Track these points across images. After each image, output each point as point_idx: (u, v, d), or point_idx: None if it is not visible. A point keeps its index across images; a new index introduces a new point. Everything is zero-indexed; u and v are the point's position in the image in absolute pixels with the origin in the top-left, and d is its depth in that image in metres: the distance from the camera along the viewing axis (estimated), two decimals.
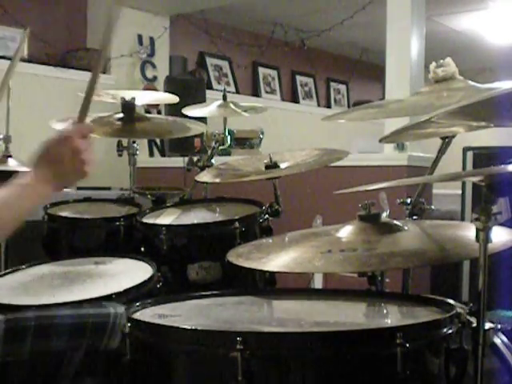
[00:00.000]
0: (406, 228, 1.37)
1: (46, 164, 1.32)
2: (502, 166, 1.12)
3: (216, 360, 1.05)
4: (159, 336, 1.13)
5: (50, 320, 1.41)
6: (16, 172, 1.35)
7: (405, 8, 4.00)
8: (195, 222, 2.08)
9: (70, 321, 1.42)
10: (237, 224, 1.92)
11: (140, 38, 5.06)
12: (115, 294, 1.57)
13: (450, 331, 1.11)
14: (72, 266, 1.89)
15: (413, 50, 3.99)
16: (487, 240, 1.12)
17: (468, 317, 1.17)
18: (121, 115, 2.38)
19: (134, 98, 2.36)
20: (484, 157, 3.05)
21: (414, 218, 1.72)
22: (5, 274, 1.86)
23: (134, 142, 2.53)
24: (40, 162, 1.32)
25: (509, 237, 1.26)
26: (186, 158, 2.50)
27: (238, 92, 6.14)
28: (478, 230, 1.12)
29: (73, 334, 1.42)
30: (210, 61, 6.05)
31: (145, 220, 2.09)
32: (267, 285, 1.96)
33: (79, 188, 3.58)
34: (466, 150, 3.12)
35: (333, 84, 7.42)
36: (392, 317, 1.31)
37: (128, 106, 2.37)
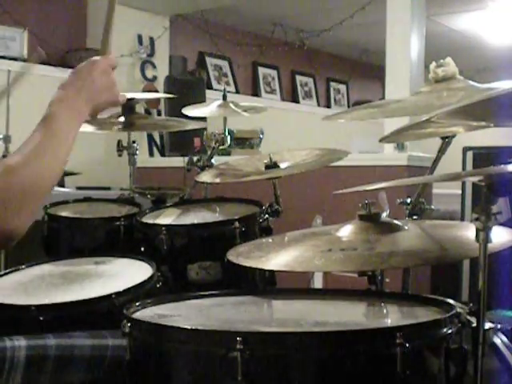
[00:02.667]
0: (405, 228, 1.37)
1: (77, 81, 1.33)
2: (502, 165, 1.12)
3: (216, 360, 1.05)
4: (159, 336, 1.13)
5: (69, 350, 1.36)
6: None
7: (405, 8, 4.01)
8: (195, 221, 2.08)
9: (89, 352, 1.37)
10: (237, 224, 1.92)
11: (140, 37, 5.06)
12: (115, 293, 1.57)
13: (450, 331, 1.11)
14: (72, 266, 1.89)
15: (413, 50, 4.00)
16: (487, 240, 1.12)
17: (468, 317, 1.17)
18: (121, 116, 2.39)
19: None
20: (484, 157, 3.05)
21: (414, 217, 1.72)
22: (5, 274, 1.86)
23: (134, 142, 2.53)
24: (71, 81, 1.34)
25: (509, 237, 1.26)
26: (186, 158, 2.50)
27: (237, 92, 6.14)
28: (477, 230, 1.12)
29: (91, 366, 1.36)
30: (209, 61, 6.05)
31: (145, 220, 2.09)
32: (267, 285, 1.96)
33: (79, 188, 3.58)
34: (465, 149, 3.12)
35: (333, 84, 7.43)
36: (392, 317, 1.31)
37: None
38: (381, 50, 4.24)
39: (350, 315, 1.31)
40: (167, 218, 2.13)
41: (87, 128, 2.21)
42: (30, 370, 1.31)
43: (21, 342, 1.32)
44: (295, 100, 6.89)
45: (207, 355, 1.07)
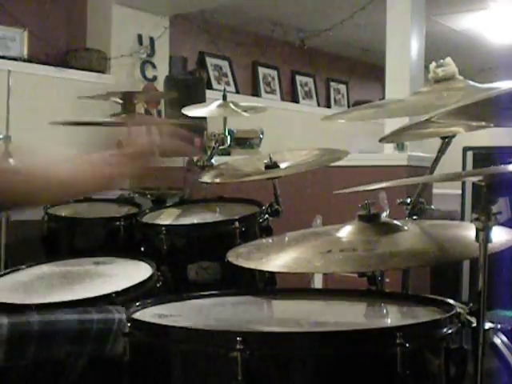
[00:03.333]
0: (405, 228, 1.37)
1: (128, 155, 1.38)
2: (502, 165, 1.12)
3: (216, 360, 1.05)
4: (159, 336, 1.13)
5: (53, 325, 1.39)
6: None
7: (405, 8, 4.01)
8: (195, 221, 2.08)
9: (74, 326, 1.40)
10: (237, 224, 1.92)
11: (140, 37, 5.06)
12: (115, 293, 1.57)
13: (450, 331, 1.11)
14: (72, 266, 1.89)
15: (413, 50, 3.99)
16: (487, 240, 1.12)
17: (468, 317, 1.17)
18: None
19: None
20: (484, 157, 3.05)
21: (414, 217, 1.72)
22: (5, 274, 1.86)
23: None
24: (122, 152, 1.37)
25: (509, 237, 1.26)
26: (186, 158, 2.50)
27: (237, 92, 6.13)
28: (478, 230, 1.12)
29: (77, 339, 1.40)
30: (209, 61, 6.05)
31: (145, 220, 2.09)
32: (267, 285, 1.96)
33: None
34: (465, 149, 3.12)
35: (333, 84, 7.42)
36: (392, 317, 1.31)
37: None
38: (381, 49, 4.23)
39: (350, 315, 1.32)
40: (167, 218, 2.13)
41: (87, 127, 2.21)
42: (12, 346, 1.33)
43: (3, 320, 1.34)
44: (295, 100, 6.89)
45: (207, 355, 1.07)
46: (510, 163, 1.10)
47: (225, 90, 2.69)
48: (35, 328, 1.37)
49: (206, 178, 2.18)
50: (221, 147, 2.50)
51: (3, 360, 1.32)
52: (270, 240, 1.63)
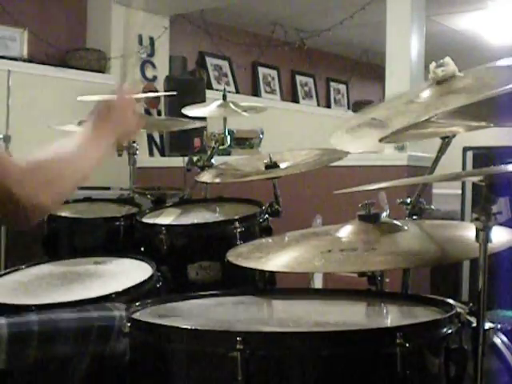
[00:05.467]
0: (405, 228, 1.37)
1: (109, 119, 1.46)
2: (502, 165, 1.12)
3: (216, 360, 1.05)
4: (159, 336, 1.13)
5: (54, 324, 1.39)
6: None
7: (405, 8, 4.01)
8: (195, 221, 2.08)
9: (75, 325, 1.40)
10: (237, 224, 1.92)
11: (140, 37, 5.06)
12: (115, 293, 1.57)
13: (450, 331, 1.11)
14: (72, 266, 1.89)
15: (413, 50, 3.99)
16: (487, 240, 1.12)
17: (468, 317, 1.17)
18: None
19: None
20: (484, 157, 3.05)
21: (414, 217, 1.72)
22: (5, 274, 1.86)
23: (134, 142, 2.53)
24: (101, 117, 1.46)
25: (509, 237, 1.26)
26: (186, 158, 2.50)
27: (237, 92, 6.14)
28: (478, 230, 1.12)
29: (78, 338, 1.39)
30: (209, 61, 6.05)
31: (145, 220, 2.09)
32: (267, 285, 1.96)
33: (79, 188, 3.57)
34: (465, 149, 3.12)
35: (333, 84, 7.42)
36: (392, 317, 1.31)
37: None
38: (381, 50, 4.24)
39: (350, 315, 1.32)
40: (167, 218, 2.13)
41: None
42: (13, 347, 1.33)
43: (1, 321, 1.34)
44: (295, 100, 6.89)
45: (207, 355, 1.07)
46: (510, 163, 1.10)
47: (225, 89, 2.69)
48: (35, 327, 1.36)
49: (206, 178, 2.17)
50: (221, 147, 2.50)
51: (5, 362, 1.32)
52: (270, 240, 1.62)
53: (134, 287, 1.63)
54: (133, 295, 1.59)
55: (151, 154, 5.03)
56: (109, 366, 1.41)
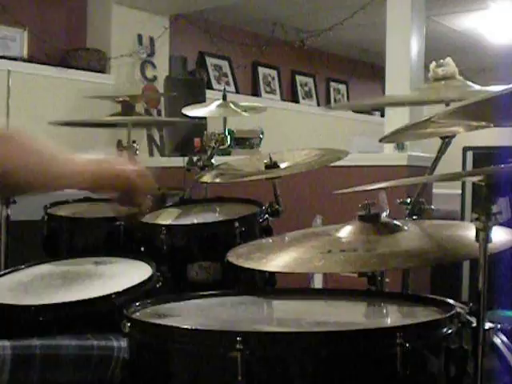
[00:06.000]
0: (405, 228, 1.37)
1: (100, 175, 1.39)
2: (502, 165, 1.12)
3: (216, 360, 1.05)
4: (159, 336, 1.13)
5: (55, 350, 1.38)
6: None
7: (405, 8, 4.01)
8: (195, 221, 2.08)
9: (76, 352, 1.39)
10: (237, 224, 1.92)
11: (140, 37, 5.06)
12: (115, 293, 1.57)
13: (450, 331, 1.11)
14: (72, 266, 1.89)
15: (413, 50, 4.00)
16: (487, 240, 1.12)
17: (468, 317, 1.17)
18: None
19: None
20: (484, 157, 3.05)
21: (414, 217, 1.72)
22: (5, 274, 1.86)
23: (134, 142, 2.52)
24: (97, 165, 1.39)
25: (509, 237, 1.26)
26: (186, 158, 2.50)
27: (237, 92, 6.14)
28: (478, 230, 1.12)
29: (79, 365, 1.38)
30: (210, 61, 6.05)
31: (145, 220, 2.09)
32: (267, 285, 1.96)
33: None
34: (465, 149, 3.12)
35: (333, 84, 7.43)
36: (392, 317, 1.31)
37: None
38: (381, 50, 4.24)
39: (350, 315, 1.31)
40: (167, 218, 2.13)
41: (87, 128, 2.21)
42: (17, 370, 1.32)
43: (4, 343, 1.33)
44: (295, 100, 6.89)
45: (207, 355, 1.07)
46: (510, 163, 1.10)
47: (225, 89, 2.69)
48: (37, 351, 1.35)
49: (206, 178, 2.17)
50: (221, 147, 2.50)
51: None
52: (270, 240, 1.62)
53: (133, 287, 1.63)
54: (133, 295, 1.58)
55: (151, 154, 5.04)
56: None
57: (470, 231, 1.20)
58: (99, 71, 4.76)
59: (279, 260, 1.31)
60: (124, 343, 1.34)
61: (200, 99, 4.14)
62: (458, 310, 1.17)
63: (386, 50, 4.07)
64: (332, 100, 7.41)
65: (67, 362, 1.37)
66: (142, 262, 1.85)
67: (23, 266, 1.90)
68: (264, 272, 1.91)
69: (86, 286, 1.71)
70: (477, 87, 1.56)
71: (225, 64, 6.16)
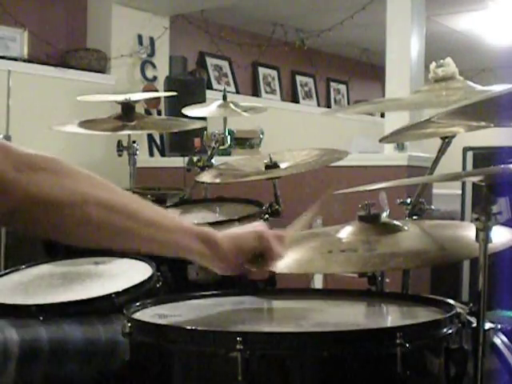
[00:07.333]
0: (406, 228, 1.37)
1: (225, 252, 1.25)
2: (502, 165, 1.12)
3: (216, 360, 1.05)
4: (159, 336, 1.13)
5: (63, 344, 1.38)
6: None
7: (405, 8, 4.01)
8: (195, 222, 2.08)
9: (82, 344, 1.40)
10: (237, 224, 1.92)
11: (140, 37, 5.06)
12: (115, 293, 1.57)
13: (450, 331, 1.11)
14: (72, 266, 1.89)
15: (413, 50, 4.00)
16: (487, 240, 1.12)
17: (468, 317, 1.17)
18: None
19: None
20: (484, 157, 3.05)
21: (414, 218, 1.72)
22: (5, 274, 1.86)
23: (134, 142, 2.53)
24: (222, 243, 1.24)
25: (509, 237, 1.26)
26: (186, 158, 2.50)
27: (238, 92, 6.14)
28: (477, 230, 1.12)
29: (85, 357, 1.39)
30: (210, 61, 6.05)
31: None
32: (267, 285, 1.96)
33: None
34: (465, 149, 3.12)
35: (333, 84, 7.42)
36: (392, 317, 1.31)
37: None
38: (381, 49, 4.24)
39: (350, 315, 1.31)
40: None
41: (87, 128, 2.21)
42: (23, 363, 1.32)
43: (13, 335, 1.33)
44: (295, 100, 6.89)
45: (207, 355, 1.07)
46: (510, 163, 1.10)
47: (225, 89, 2.69)
48: (45, 345, 1.35)
49: (206, 178, 2.17)
50: (221, 147, 2.50)
51: (14, 378, 1.31)
52: None
53: (133, 287, 1.63)
54: (133, 295, 1.58)
55: (151, 154, 5.04)
56: (111, 375, 1.41)
57: (469, 231, 1.20)
58: (99, 71, 4.76)
59: (279, 260, 1.31)
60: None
61: (200, 99, 4.14)
62: (458, 310, 1.17)
63: (386, 50, 4.07)
64: (332, 100, 7.41)
65: (74, 355, 1.38)
66: (142, 261, 1.85)
67: (23, 266, 1.90)
68: None
69: (85, 285, 1.71)
70: (477, 87, 1.56)
71: (225, 64, 6.16)
